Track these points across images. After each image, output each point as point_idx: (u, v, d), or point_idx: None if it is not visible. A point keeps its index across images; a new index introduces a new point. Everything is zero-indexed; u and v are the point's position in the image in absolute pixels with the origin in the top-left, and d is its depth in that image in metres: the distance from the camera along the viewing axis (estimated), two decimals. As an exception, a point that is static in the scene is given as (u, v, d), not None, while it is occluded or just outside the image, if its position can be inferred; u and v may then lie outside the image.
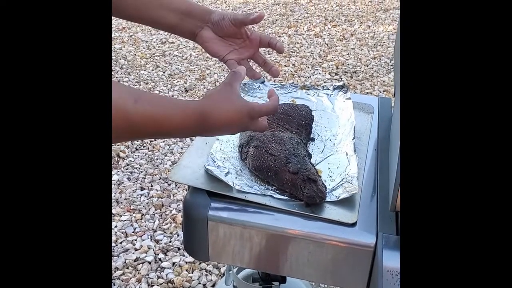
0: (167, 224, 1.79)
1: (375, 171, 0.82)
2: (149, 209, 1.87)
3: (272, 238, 0.72)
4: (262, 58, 0.85)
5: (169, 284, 1.55)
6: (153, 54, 3.22)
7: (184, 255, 1.65)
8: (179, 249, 1.68)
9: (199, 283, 1.56)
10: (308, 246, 0.71)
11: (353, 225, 0.70)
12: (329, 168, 0.81)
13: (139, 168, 2.10)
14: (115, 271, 1.59)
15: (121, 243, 1.70)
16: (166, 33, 3.50)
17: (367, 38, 3.53)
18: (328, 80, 2.89)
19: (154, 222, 1.80)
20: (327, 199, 0.73)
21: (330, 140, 0.89)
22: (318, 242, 0.70)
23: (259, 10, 4.07)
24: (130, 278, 1.57)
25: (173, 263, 1.62)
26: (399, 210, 0.66)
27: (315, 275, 0.73)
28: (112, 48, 3.20)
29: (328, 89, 1.03)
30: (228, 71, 0.76)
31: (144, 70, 2.99)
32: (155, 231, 1.76)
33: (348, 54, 3.26)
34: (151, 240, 1.72)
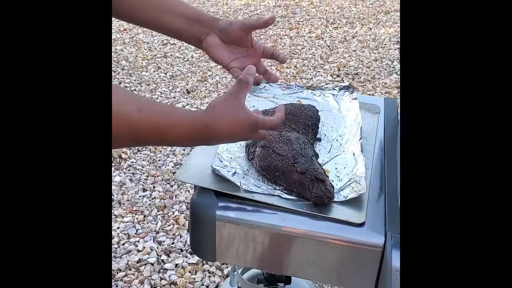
0: (169, 225, 1.79)
1: (382, 171, 0.82)
2: (152, 210, 1.86)
3: (280, 238, 0.72)
4: (264, 68, 0.86)
5: (172, 285, 1.55)
6: (155, 55, 3.22)
7: (187, 257, 1.65)
8: (182, 250, 1.68)
9: (202, 285, 1.55)
10: (316, 246, 0.70)
11: (361, 225, 0.70)
12: (336, 168, 0.81)
13: (141, 170, 2.10)
14: (117, 273, 1.59)
15: (123, 244, 1.70)
16: (168, 34, 3.51)
17: (369, 40, 3.54)
18: (330, 82, 2.89)
19: (156, 224, 1.80)
20: (334, 199, 0.73)
21: (336, 140, 0.89)
22: (326, 242, 0.70)
23: (262, 14, 4.07)
24: (133, 280, 1.56)
25: (176, 265, 1.62)
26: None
27: (323, 275, 0.73)
28: (114, 50, 3.20)
29: (334, 89, 1.03)
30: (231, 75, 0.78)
31: (146, 72, 2.99)
32: (157, 232, 1.76)
33: (350, 56, 3.26)
34: (153, 241, 1.72)
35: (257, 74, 0.84)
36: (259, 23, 0.80)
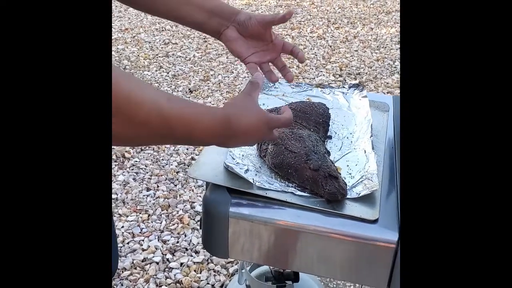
0: (174, 224, 1.79)
1: (393, 168, 0.82)
2: (156, 209, 1.86)
3: (294, 235, 0.72)
4: (283, 63, 0.85)
5: (178, 284, 1.55)
6: (156, 55, 3.22)
7: (192, 256, 1.65)
8: (186, 249, 1.68)
9: (208, 283, 1.55)
10: (330, 243, 0.71)
11: (375, 221, 0.70)
12: (348, 166, 0.81)
13: (145, 169, 2.10)
14: (122, 271, 1.59)
15: (128, 243, 1.70)
16: (169, 34, 3.51)
17: (370, 40, 3.54)
18: (332, 81, 2.89)
19: (161, 223, 1.80)
20: (347, 196, 0.73)
21: (347, 138, 0.89)
22: (340, 239, 0.70)
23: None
24: (138, 279, 1.56)
25: (181, 264, 1.62)
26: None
27: (336, 272, 0.73)
28: (115, 49, 3.20)
29: (344, 87, 1.03)
30: (247, 73, 0.77)
31: (148, 71, 2.99)
32: (162, 231, 1.76)
33: (352, 56, 3.27)
34: (158, 240, 1.72)
35: (275, 72, 0.85)
36: (276, 19, 0.80)
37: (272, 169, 0.79)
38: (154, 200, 1.92)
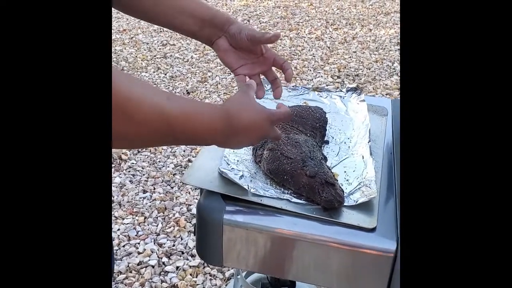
0: (170, 227, 1.77)
1: (392, 174, 0.81)
2: (152, 212, 1.84)
3: (289, 243, 0.70)
4: (274, 76, 0.84)
5: (173, 288, 1.53)
6: (154, 56, 3.20)
7: (188, 259, 1.63)
8: (183, 253, 1.66)
9: (204, 288, 1.54)
10: (326, 252, 0.69)
11: (372, 230, 0.68)
12: (345, 172, 0.79)
13: (142, 171, 2.08)
14: (118, 275, 1.57)
15: (124, 246, 1.68)
16: (167, 35, 3.49)
17: (369, 42, 3.53)
18: (330, 83, 2.88)
19: (157, 225, 1.78)
20: (345, 204, 0.71)
21: (345, 143, 0.87)
22: (337, 248, 0.68)
23: (262, 15, 4.06)
24: (134, 282, 1.54)
25: (177, 267, 1.60)
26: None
27: (333, 281, 0.71)
28: (113, 50, 3.19)
29: (341, 91, 1.01)
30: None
31: (145, 72, 2.97)
32: (158, 234, 1.74)
33: (350, 57, 3.25)
34: (154, 243, 1.70)
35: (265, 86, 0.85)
36: (263, 38, 0.79)
37: (267, 175, 0.77)
38: (150, 202, 1.90)
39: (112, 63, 0.45)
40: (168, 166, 2.11)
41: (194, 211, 1.85)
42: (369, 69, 3.08)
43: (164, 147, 2.23)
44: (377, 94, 2.76)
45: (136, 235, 1.74)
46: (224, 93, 2.72)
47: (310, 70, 3.04)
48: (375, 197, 0.72)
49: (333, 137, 0.89)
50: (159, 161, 2.14)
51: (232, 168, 0.77)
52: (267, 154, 0.77)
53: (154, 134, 0.54)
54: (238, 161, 0.80)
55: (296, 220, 0.70)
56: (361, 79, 2.94)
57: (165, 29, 3.57)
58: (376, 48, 3.41)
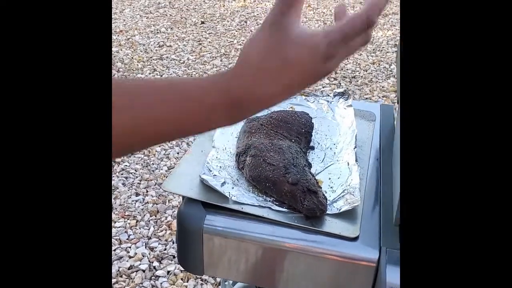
0: (162, 231, 1.76)
1: (377, 182, 0.79)
2: (144, 215, 1.83)
3: (270, 252, 0.69)
4: None
5: (164, 293, 1.52)
6: (151, 57, 3.19)
7: (179, 264, 1.62)
8: (174, 257, 1.64)
9: (194, 293, 1.52)
10: (308, 261, 0.68)
11: (355, 239, 0.67)
12: (329, 179, 0.78)
13: (135, 173, 2.07)
14: (108, 280, 1.55)
15: (114, 250, 1.67)
16: (164, 36, 3.48)
17: (366, 43, 3.51)
18: (326, 85, 2.86)
19: (149, 229, 1.76)
20: (328, 212, 0.70)
21: (330, 149, 0.86)
22: (318, 257, 0.67)
23: (259, 16, 4.05)
24: (124, 287, 1.53)
25: (168, 272, 1.59)
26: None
27: (315, 291, 0.70)
28: (109, 51, 3.17)
29: (329, 95, 1.00)
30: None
31: (141, 74, 2.96)
32: (149, 238, 1.73)
33: (347, 59, 3.23)
34: (145, 247, 1.69)
35: None
36: None
37: (250, 182, 0.76)
38: (142, 205, 1.89)
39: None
40: (162, 169, 2.10)
41: (186, 214, 1.83)
42: (366, 71, 3.06)
43: (158, 149, 2.21)
44: (373, 96, 2.75)
45: (127, 239, 1.72)
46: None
47: (307, 72, 3.02)
48: (358, 205, 0.71)
49: (319, 143, 0.87)
50: (153, 164, 2.13)
51: (215, 175, 0.76)
52: (250, 160, 0.76)
53: (146, 108, 0.44)
54: (220, 167, 0.79)
55: (277, 228, 0.69)
56: (357, 81, 2.92)
57: (162, 30, 3.54)
58: (373, 49, 3.40)
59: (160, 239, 1.72)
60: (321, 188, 0.74)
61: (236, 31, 3.66)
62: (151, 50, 3.31)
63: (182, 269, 1.58)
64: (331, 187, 0.76)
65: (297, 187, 0.70)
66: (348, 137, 0.87)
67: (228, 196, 0.71)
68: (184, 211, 0.71)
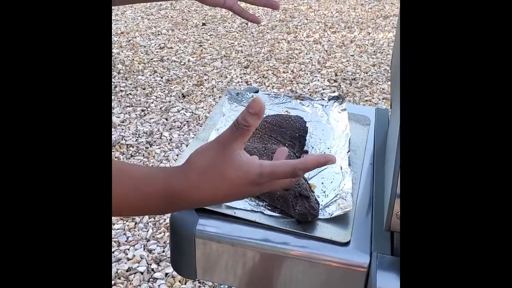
0: (160, 233, 1.76)
1: (370, 186, 0.79)
2: (143, 217, 1.83)
3: (261, 257, 0.69)
4: None
5: (161, 295, 1.52)
6: (151, 59, 3.20)
7: (173, 268, 1.62)
8: (172, 259, 1.65)
9: (192, 295, 1.53)
10: (299, 266, 0.68)
11: (346, 244, 0.67)
12: (322, 183, 0.78)
13: (134, 175, 2.07)
14: (106, 282, 1.56)
15: (113, 252, 1.67)
16: (165, 38, 3.49)
17: (367, 45, 3.51)
18: (326, 87, 2.86)
19: (147, 231, 1.77)
20: (319, 216, 0.70)
21: (324, 153, 0.86)
22: (310, 262, 0.67)
23: (260, 18, 4.05)
24: (122, 289, 1.53)
25: (166, 274, 1.59)
26: (394, 230, 0.63)
27: (306, 295, 0.70)
28: (110, 53, 3.18)
29: (323, 99, 1.00)
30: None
31: (142, 75, 2.97)
32: (148, 240, 1.73)
33: (348, 61, 3.24)
34: (144, 249, 1.69)
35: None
36: None
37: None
38: (141, 207, 1.89)
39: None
40: (161, 171, 2.10)
41: (185, 216, 1.84)
42: (366, 73, 3.06)
43: (157, 151, 2.22)
44: (373, 98, 2.75)
45: (126, 241, 1.73)
46: (219, 97, 2.71)
47: (307, 74, 3.03)
48: (350, 210, 0.71)
49: (313, 147, 0.88)
50: (152, 166, 2.13)
51: (208, 179, 0.76)
52: (243, 165, 0.76)
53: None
54: (214, 171, 0.79)
55: (269, 233, 0.69)
56: (358, 83, 2.93)
57: (163, 32, 3.55)
58: (374, 51, 3.40)
59: (158, 241, 1.72)
60: (313, 192, 0.74)
61: (237, 33, 3.67)
62: (152, 51, 3.31)
63: (180, 271, 1.59)
64: (324, 192, 0.76)
65: (289, 192, 0.70)
66: (342, 141, 0.87)
67: (221, 200, 0.72)
68: (176, 216, 0.72)
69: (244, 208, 0.72)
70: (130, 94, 2.73)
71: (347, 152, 0.83)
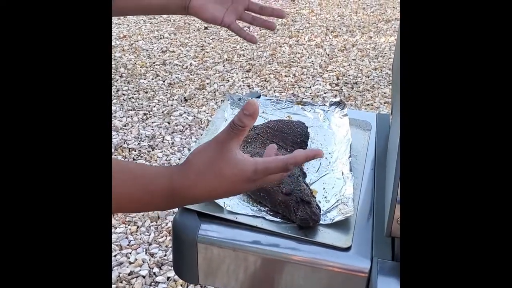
0: (162, 237, 1.77)
1: (371, 192, 0.80)
2: (145, 221, 1.84)
3: (263, 262, 0.70)
4: (258, 6, 0.82)
5: (163, 299, 1.52)
6: (154, 63, 3.21)
7: (175, 272, 1.62)
8: (174, 263, 1.65)
9: (194, 299, 1.53)
10: (300, 271, 0.68)
11: (347, 249, 0.68)
12: (324, 188, 0.79)
13: (136, 179, 2.08)
14: (108, 285, 1.56)
15: (115, 256, 1.68)
16: (167, 41, 3.50)
17: (369, 49, 3.52)
18: (328, 91, 2.87)
19: (149, 235, 1.77)
20: (321, 222, 0.71)
21: (326, 158, 0.87)
22: (311, 267, 0.68)
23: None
24: (124, 293, 1.54)
25: (168, 278, 1.60)
26: (395, 236, 0.63)
27: (308, 300, 0.71)
28: (112, 57, 3.19)
29: (325, 105, 1.01)
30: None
31: (144, 79, 2.98)
32: (150, 244, 1.73)
33: (349, 65, 3.24)
34: (146, 253, 1.69)
35: (259, 17, 0.80)
36: None
37: (244, 192, 0.76)
38: (143, 211, 1.89)
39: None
40: (163, 175, 2.11)
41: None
42: (368, 77, 3.07)
43: (159, 155, 2.22)
44: (375, 102, 2.75)
45: (128, 245, 1.73)
46: (221, 101, 2.72)
47: (309, 78, 3.03)
48: (351, 215, 0.71)
49: (314, 152, 0.88)
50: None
51: (210, 184, 0.77)
52: (245, 170, 0.77)
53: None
54: (216, 177, 0.80)
55: (271, 238, 0.70)
56: (359, 87, 2.93)
57: (165, 35, 3.56)
58: (376, 55, 3.40)
59: (160, 245, 1.73)
60: (315, 198, 0.75)
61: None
62: (154, 55, 3.32)
63: (182, 275, 1.59)
64: (325, 197, 0.77)
65: (290, 197, 0.71)
66: (343, 147, 0.87)
67: (223, 205, 0.72)
68: (179, 221, 0.72)
69: (246, 214, 0.72)
70: (132, 97, 2.74)
71: (349, 158, 0.84)
